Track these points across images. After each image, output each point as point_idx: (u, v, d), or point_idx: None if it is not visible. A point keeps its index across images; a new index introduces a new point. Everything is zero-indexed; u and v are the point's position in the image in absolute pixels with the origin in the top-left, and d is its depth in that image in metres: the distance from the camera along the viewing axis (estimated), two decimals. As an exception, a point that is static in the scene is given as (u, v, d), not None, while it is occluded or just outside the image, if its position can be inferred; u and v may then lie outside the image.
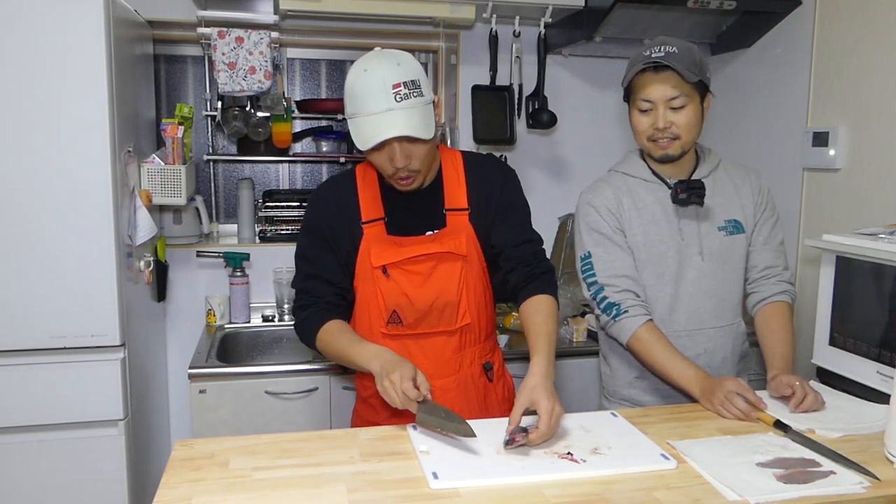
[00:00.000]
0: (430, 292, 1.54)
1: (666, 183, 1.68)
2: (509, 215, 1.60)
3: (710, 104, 1.65)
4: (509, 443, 1.25)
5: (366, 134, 1.38)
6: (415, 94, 1.38)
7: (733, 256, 1.68)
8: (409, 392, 1.31)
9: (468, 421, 1.28)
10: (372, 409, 1.65)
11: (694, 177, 1.68)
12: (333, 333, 1.51)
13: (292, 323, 1.65)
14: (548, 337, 1.46)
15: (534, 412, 1.29)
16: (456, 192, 1.57)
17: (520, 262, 1.58)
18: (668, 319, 1.67)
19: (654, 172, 1.69)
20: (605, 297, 1.65)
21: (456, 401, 1.58)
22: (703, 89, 1.60)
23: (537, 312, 1.51)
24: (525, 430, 1.26)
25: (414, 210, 1.56)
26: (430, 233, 1.56)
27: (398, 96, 1.36)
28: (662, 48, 1.55)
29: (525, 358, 2.34)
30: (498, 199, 1.59)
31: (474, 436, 1.24)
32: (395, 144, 1.40)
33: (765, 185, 1.74)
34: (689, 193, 1.61)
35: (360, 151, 1.42)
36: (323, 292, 1.57)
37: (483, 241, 1.60)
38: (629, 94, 1.64)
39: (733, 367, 1.72)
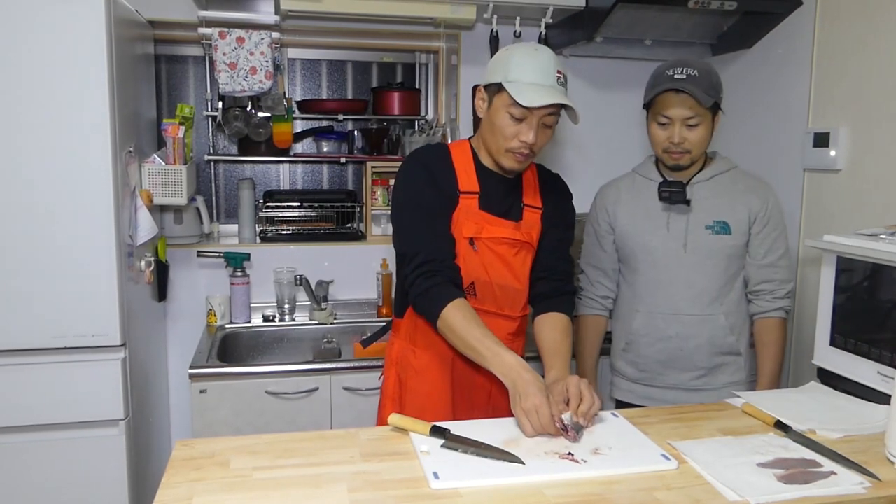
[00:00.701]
0: (508, 275, 1.63)
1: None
2: (560, 232, 1.73)
3: (720, 119, 1.85)
4: (565, 430, 1.30)
5: (532, 96, 1.47)
6: (565, 85, 1.56)
7: (717, 254, 1.85)
8: (545, 425, 1.30)
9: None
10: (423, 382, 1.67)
11: (695, 180, 1.88)
12: (465, 318, 1.46)
13: (412, 293, 1.53)
14: (563, 356, 1.56)
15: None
16: (532, 192, 1.70)
17: (553, 273, 1.69)
18: (648, 301, 1.90)
19: (660, 174, 1.92)
20: (578, 278, 2.03)
21: (504, 390, 1.59)
22: (715, 108, 1.80)
23: (555, 329, 1.62)
24: (575, 426, 1.31)
25: (501, 194, 1.63)
26: (514, 221, 1.64)
27: (559, 80, 1.53)
28: (685, 71, 1.75)
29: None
30: (558, 215, 1.72)
31: (522, 463, 1.20)
32: (536, 119, 1.51)
33: (773, 200, 1.88)
34: (669, 192, 1.85)
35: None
36: (445, 255, 1.54)
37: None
38: (650, 106, 1.85)
39: (708, 356, 1.87)
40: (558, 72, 1.54)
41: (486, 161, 1.64)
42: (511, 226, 1.63)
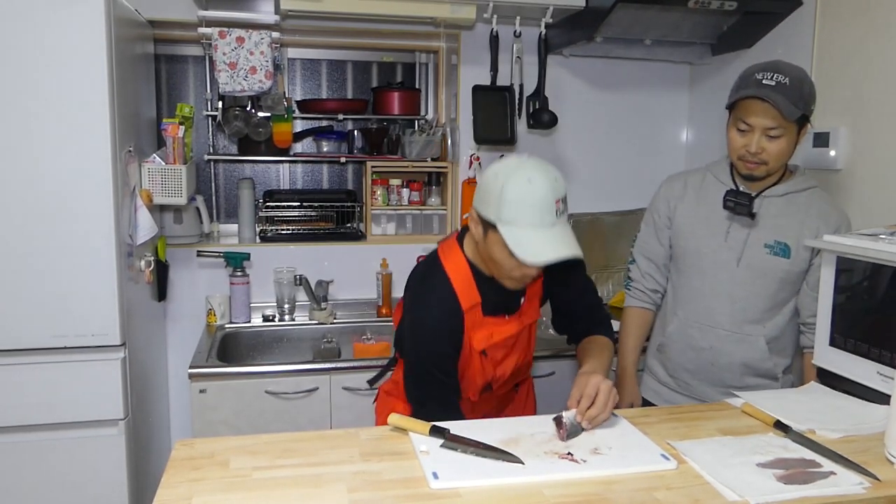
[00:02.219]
0: (517, 359, 1.64)
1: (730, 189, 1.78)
2: (577, 275, 1.67)
3: (808, 132, 1.70)
4: (557, 421, 1.30)
5: (531, 248, 1.35)
6: (566, 211, 1.41)
7: (769, 274, 1.74)
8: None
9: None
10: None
11: (767, 194, 1.75)
12: None
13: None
14: (600, 359, 1.56)
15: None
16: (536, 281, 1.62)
17: (585, 312, 1.70)
18: (687, 307, 1.84)
19: (732, 178, 1.79)
20: (629, 268, 2.00)
21: (491, 415, 1.67)
22: (802, 120, 1.65)
23: (592, 342, 1.65)
24: (571, 429, 1.31)
25: (502, 294, 1.55)
26: (510, 315, 1.59)
27: (558, 212, 1.38)
28: (774, 77, 1.60)
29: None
30: (570, 281, 1.67)
31: (522, 463, 1.21)
32: None
33: (846, 231, 1.70)
34: (735, 203, 1.72)
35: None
36: (452, 403, 1.53)
37: (547, 291, 1.69)
38: (732, 108, 1.70)
39: (740, 376, 1.79)
40: (557, 201, 1.37)
41: (485, 269, 1.54)
42: (513, 320, 1.59)
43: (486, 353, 1.57)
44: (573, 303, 1.70)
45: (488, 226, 1.41)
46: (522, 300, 1.61)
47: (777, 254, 1.72)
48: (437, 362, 1.52)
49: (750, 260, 1.74)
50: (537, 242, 1.35)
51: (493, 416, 1.68)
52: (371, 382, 1.85)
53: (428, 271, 1.59)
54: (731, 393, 1.75)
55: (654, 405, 1.93)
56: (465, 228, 1.57)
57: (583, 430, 1.32)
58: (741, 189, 1.76)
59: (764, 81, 1.61)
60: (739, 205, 1.72)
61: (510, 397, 1.78)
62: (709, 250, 1.79)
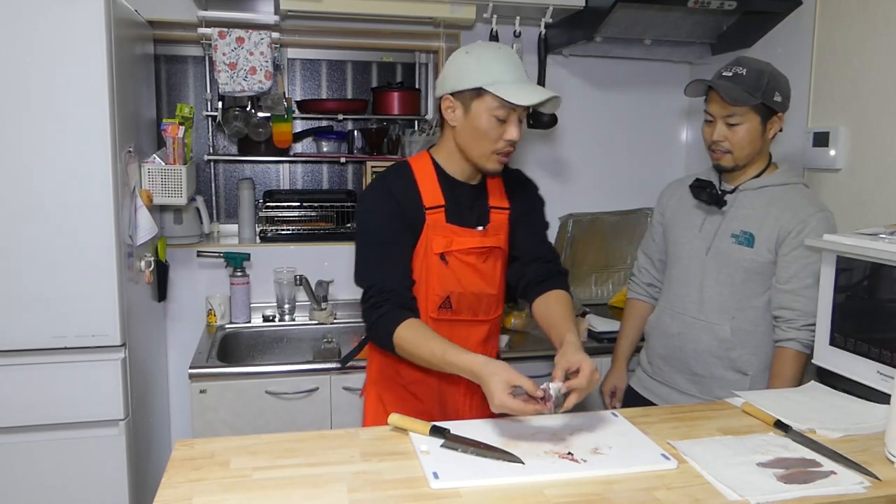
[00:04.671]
0: (480, 282, 1.64)
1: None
2: (536, 223, 1.74)
3: (777, 124, 1.77)
4: (545, 400, 1.26)
5: (528, 94, 1.48)
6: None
7: (735, 265, 1.79)
8: (520, 410, 1.25)
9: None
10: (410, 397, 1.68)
11: (743, 187, 1.82)
12: (415, 336, 1.46)
13: (363, 321, 1.57)
14: (571, 319, 1.55)
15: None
16: (498, 193, 1.69)
17: (541, 257, 1.71)
18: (666, 295, 1.96)
19: (718, 176, 1.88)
20: (635, 264, 2.15)
21: (478, 391, 1.57)
22: (766, 111, 1.73)
23: (559, 303, 1.61)
24: (558, 399, 1.26)
25: (467, 203, 1.63)
26: (481, 228, 1.63)
27: (527, 74, 1.55)
28: (734, 69, 1.72)
29: (524, 358, 2.37)
30: (529, 209, 1.73)
31: (522, 462, 1.20)
32: (517, 117, 1.52)
33: (814, 226, 1.70)
34: (699, 189, 1.84)
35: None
36: (397, 285, 1.54)
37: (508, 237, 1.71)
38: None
39: (705, 365, 1.84)
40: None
41: (453, 171, 1.62)
42: (478, 234, 1.63)
43: (447, 261, 1.59)
44: (527, 242, 1.70)
45: (471, 98, 1.51)
46: (490, 218, 1.65)
47: (741, 243, 1.78)
48: (380, 235, 1.56)
49: (717, 249, 1.81)
50: (523, 92, 1.49)
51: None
52: (343, 362, 1.86)
53: (392, 166, 1.68)
54: (698, 382, 1.85)
55: (637, 393, 2.02)
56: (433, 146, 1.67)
57: (561, 397, 1.27)
58: (723, 185, 1.86)
59: (723, 73, 1.73)
60: (702, 190, 1.82)
61: (474, 337, 1.69)
62: (685, 240, 1.90)
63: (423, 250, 1.59)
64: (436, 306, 1.62)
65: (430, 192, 1.60)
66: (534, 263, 1.69)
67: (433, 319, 1.62)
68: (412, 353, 1.47)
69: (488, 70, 1.49)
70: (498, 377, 1.27)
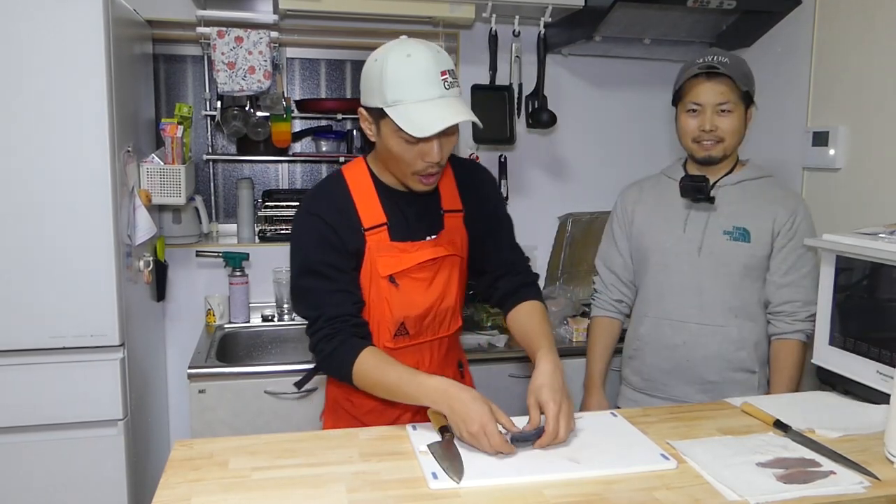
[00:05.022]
0: (434, 297, 1.51)
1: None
2: (499, 225, 1.62)
3: (753, 115, 1.76)
4: (517, 440, 1.23)
5: (421, 121, 1.27)
6: (456, 84, 1.33)
7: (733, 262, 1.75)
8: (498, 445, 1.20)
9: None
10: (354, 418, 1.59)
11: (722, 182, 1.78)
12: (376, 365, 1.35)
13: (314, 358, 1.45)
14: (548, 337, 1.45)
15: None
16: (451, 194, 1.55)
17: (510, 270, 1.61)
18: (657, 306, 1.83)
19: (687, 174, 1.82)
20: (594, 280, 2.02)
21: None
22: (747, 100, 1.73)
23: (531, 316, 1.52)
24: (538, 432, 1.25)
25: (413, 214, 1.49)
26: (431, 237, 1.50)
27: (446, 84, 1.30)
28: (716, 58, 1.69)
29: (524, 359, 2.37)
30: (488, 206, 1.60)
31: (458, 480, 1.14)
32: (436, 138, 1.31)
33: (803, 215, 1.75)
34: (692, 185, 1.75)
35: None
36: (346, 312, 1.41)
37: (469, 244, 1.59)
38: (678, 98, 1.77)
39: (717, 370, 1.78)
40: (443, 73, 1.30)
41: (390, 181, 1.47)
42: (429, 245, 1.48)
43: (397, 283, 1.45)
44: (494, 253, 1.58)
45: (378, 117, 1.34)
46: (443, 223, 1.51)
47: (737, 239, 1.74)
48: (317, 265, 1.40)
49: (711, 248, 1.76)
50: (426, 115, 1.27)
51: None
52: (299, 386, 1.60)
53: (324, 182, 1.52)
54: (710, 390, 1.78)
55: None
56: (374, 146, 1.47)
57: (530, 441, 1.25)
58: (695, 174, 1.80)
59: (708, 61, 1.69)
60: (698, 187, 1.74)
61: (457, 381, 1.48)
62: (669, 244, 1.81)
63: (368, 274, 1.45)
64: (391, 335, 1.49)
65: (370, 210, 1.44)
66: (503, 277, 1.59)
67: (389, 349, 1.48)
68: (374, 383, 1.36)
69: (392, 86, 1.29)
70: (484, 402, 1.23)
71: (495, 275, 1.61)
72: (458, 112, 1.30)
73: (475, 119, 1.32)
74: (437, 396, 1.27)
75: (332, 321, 1.40)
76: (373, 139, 1.41)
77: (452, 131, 1.35)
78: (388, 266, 1.45)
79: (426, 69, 1.29)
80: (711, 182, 1.77)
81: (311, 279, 1.43)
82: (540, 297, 1.59)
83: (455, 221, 1.54)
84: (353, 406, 1.58)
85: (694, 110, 1.72)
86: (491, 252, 1.60)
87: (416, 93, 1.29)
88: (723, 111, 1.70)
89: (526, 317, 1.53)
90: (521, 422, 1.30)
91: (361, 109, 1.39)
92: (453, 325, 1.58)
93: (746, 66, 1.73)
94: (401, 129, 1.29)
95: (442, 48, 1.37)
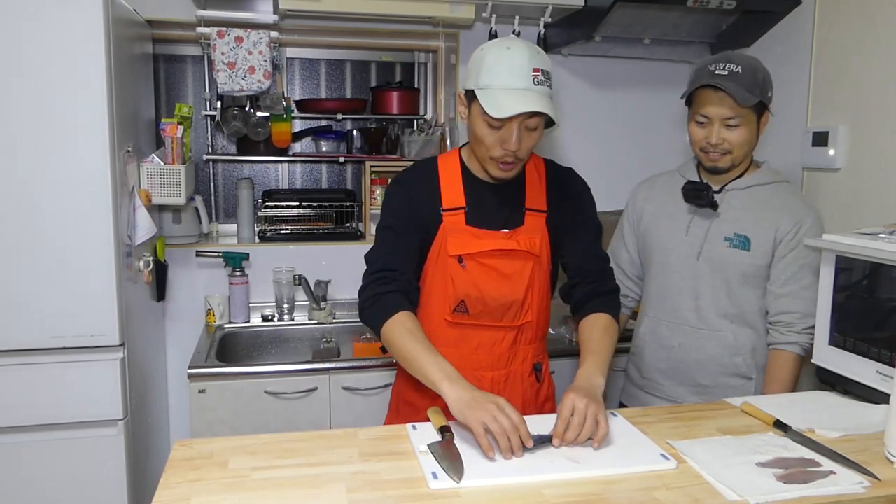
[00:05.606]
0: (502, 288, 1.56)
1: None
2: (584, 230, 1.64)
3: (769, 120, 1.72)
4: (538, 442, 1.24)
5: (503, 104, 1.38)
6: (547, 83, 1.43)
7: (730, 269, 1.73)
8: (518, 421, 1.22)
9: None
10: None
11: (730, 187, 1.76)
12: (407, 330, 1.42)
13: (359, 302, 1.53)
14: (598, 353, 1.46)
15: None
16: (537, 194, 1.60)
17: (586, 277, 1.62)
18: (656, 306, 1.85)
19: (699, 175, 1.81)
20: None
21: (504, 394, 1.55)
22: (761, 108, 1.68)
23: (593, 329, 1.54)
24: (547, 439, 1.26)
25: (493, 205, 1.57)
26: (507, 230, 1.56)
27: (536, 80, 1.40)
28: (727, 66, 1.63)
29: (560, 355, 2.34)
30: (576, 213, 1.64)
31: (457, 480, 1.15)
32: (516, 125, 1.41)
33: (809, 225, 1.70)
34: (694, 192, 1.74)
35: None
36: (406, 270, 1.52)
37: (553, 247, 1.62)
38: (690, 103, 1.74)
39: (710, 374, 1.77)
40: (535, 70, 1.41)
41: (476, 169, 1.57)
42: (502, 237, 1.55)
43: (464, 265, 1.54)
44: (574, 258, 1.63)
45: (470, 99, 1.46)
46: (524, 220, 1.58)
47: (737, 246, 1.72)
48: (393, 223, 1.54)
49: (710, 254, 1.74)
50: (508, 101, 1.38)
51: (477, 371, 1.58)
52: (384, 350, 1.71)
53: (419, 162, 1.66)
54: (703, 393, 1.77)
55: (628, 408, 1.91)
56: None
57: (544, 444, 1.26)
58: (702, 181, 1.78)
59: (717, 72, 1.64)
60: (698, 194, 1.73)
61: (529, 381, 1.65)
62: (672, 246, 1.80)
63: (437, 251, 1.55)
64: (450, 309, 1.57)
65: (452, 193, 1.55)
66: (580, 285, 1.61)
67: (449, 322, 1.57)
68: (394, 346, 1.44)
69: (487, 71, 1.41)
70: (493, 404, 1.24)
71: (573, 281, 1.63)
72: (537, 104, 1.38)
73: (553, 114, 1.41)
74: (442, 378, 1.30)
75: (390, 271, 1.50)
76: (464, 121, 1.52)
77: (534, 126, 1.44)
78: (458, 246, 1.53)
79: (520, 62, 1.40)
80: (719, 187, 1.76)
81: (385, 233, 1.56)
82: (612, 308, 1.59)
83: (537, 221, 1.59)
84: (419, 398, 1.59)
85: (701, 122, 1.70)
86: (573, 257, 1.63)
87: (506, 80, 1.40)
88: (730, 125, 1.67)
89: (586, 331, 1.55)
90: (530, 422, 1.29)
91: (460, 92, 1.52)
92: (520, 318, 1.60)
93: (760, 72, 1.66)
94: (485, 113, 1.40)
95: (541, 51, 1.46)
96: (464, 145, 1.62)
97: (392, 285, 1.49)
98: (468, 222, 1.55)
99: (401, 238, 1.54)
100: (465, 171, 1.58)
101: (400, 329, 1.43)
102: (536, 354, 1.68)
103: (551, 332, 2.55)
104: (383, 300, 1.48)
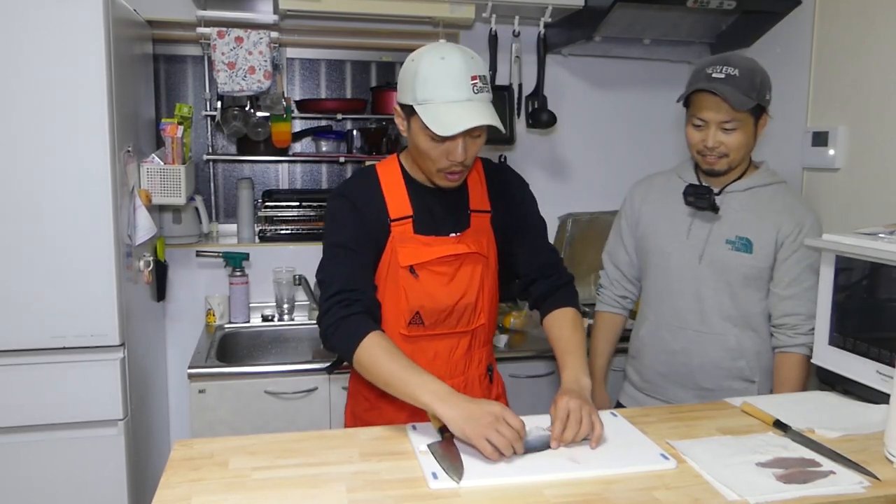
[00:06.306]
0: (454, 293, 1.53)
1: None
2: (530, 225, 1.63)
3: (767, 122, 1.70)
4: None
5: (446, 121, 1.33)
6: (486, 89, 1.38)
7: (732, 272, 1.72)
8: (519, 427, 1.22)
9: None
10: (376, 410, 1.60)
11: (729, 189, 1.75)
12: (384, 351, 1.34)
13: (320, 324, 1.45)
14: (574, 352, 1.46)
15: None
16: (479, 195, 1.58)
17: (542, 272, 1.61)
18: (657, 309, 1.83)
19: (696, 176, 1.80)
20: (600, 274, 2.01)
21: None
22: (758, 111, 1.66)
23: (562, 327, 1.53)
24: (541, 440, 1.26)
25: (439, 210, 1.53)
26: (454, 234, 1.53)
27: (475, 88, 1.35)
28: (724, 70, 1.61)
29: (524, 358, 2.37)
30: (518, 209, 1.62)
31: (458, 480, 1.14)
32: (461, 138, 1.36)
33: (810, 226, 1.70)
34: (695, 196, 1.72)
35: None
36: (367, 288, 1.46)
37: (499, 246, 1.61)
38: (687, 105, 1.72)
39: (712, 378, 1.76)
40: (473, 77, 1.35)
41: (420, 177, 1.53)
42: (451, 241, 1.52)
43: (417, 275, 1.50)
44: (526, 256, 1.61)
45: (409, 114, 1.40)
46: (469, 222, 1.55)
47: (739, 249, 1.71)
48: (343, 238, 1.46)
49: (712, 256, 1.73)
50: (451, 116, 1.33)
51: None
52: (329, 370, 1.75)
53: (358, 172, 1.60)
54: (706, 396, 1.75)
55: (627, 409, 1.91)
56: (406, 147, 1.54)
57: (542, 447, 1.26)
58: (703, 184, 1.77)
59: (714, 75, 1.62)
60: (700, 197, 1.72)
61: (484, 384, 1.64)
62: (672, 249, 1.79)
63: (387, 263, 1.50)
64: (405, 323, 1.52)
65: (397, 203, 1.50)
66: (537, 281, 1.61)
67: (404, 336, 1.52)
68: (371, 370, 1.35)
69: (423, 85, 1.34)
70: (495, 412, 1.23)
71: (529, 278, 1.62)
72: (482, 115, 1.34)
73: (499, 124, 1.36)
74: (433, 396, 1.26)
75: (352, 291, 1.42)
76: (404, 134, 1.46)
77: (478, 133, 1.40)
78: (409, 257, 1.49)
79: (457, 72, 1.34)
80: (719, 189, 1.75)
81: (337, 251, 1.48)
82: (573, 300, 1.60)
83: (482, 222, 1.57)
84: (369, 389, 1.57)
85: (698, 125, 1.69)
86: (523, 255, 1.62)
87: (445, 94, 1.34)
88: (727, 129, 1.65)
89: (556, 329, 1.54)
90: (528, 420, 1.30)
91: (396, 105, 1.45)
92: (474, 322, 1.58)
93: (758, 74, 1.64)
94: (427, 128, 1.34)
95: (476, 56, 1.40)
96: (401, 150, 1.58)
97: (355, 306, 1.40)
98: (416, 230, 1.50)
99: (355, 255, 1.47)
100: (408, 178, 1.53)
101: (376, 351, 1.35)
102: (489, 357, 1.68)
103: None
104: (349, 323, 1.39)
